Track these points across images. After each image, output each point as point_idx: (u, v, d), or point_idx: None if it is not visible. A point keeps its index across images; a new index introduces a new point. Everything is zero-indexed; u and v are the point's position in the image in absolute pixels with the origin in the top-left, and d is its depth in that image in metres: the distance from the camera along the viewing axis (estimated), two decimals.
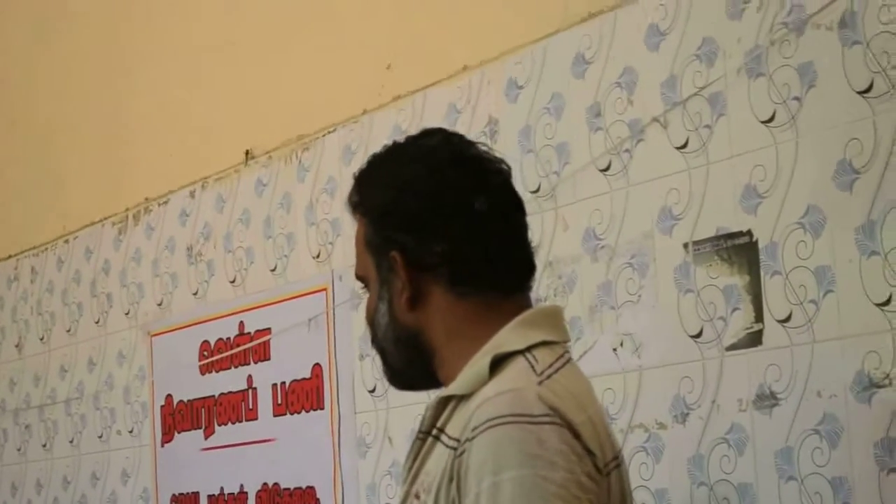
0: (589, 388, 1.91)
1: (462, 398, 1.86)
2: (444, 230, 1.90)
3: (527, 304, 1.96)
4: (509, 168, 1.98)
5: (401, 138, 2.03)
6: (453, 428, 1.84)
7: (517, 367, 1.85)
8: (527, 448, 1.73)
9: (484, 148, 1.97)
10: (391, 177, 1.95)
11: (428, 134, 2.02)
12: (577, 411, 1.80)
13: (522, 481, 1.72)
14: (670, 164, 2.68)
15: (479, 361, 1.87)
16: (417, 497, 1.86)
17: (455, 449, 1.79)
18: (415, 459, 1.91)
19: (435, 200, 1.91)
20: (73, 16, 4.78)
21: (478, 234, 1.91)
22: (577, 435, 1.77)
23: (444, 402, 1.89)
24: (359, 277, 2.05)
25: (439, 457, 1.84)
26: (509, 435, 1.74)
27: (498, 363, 1.85)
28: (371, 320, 2.01)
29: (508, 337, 1.88)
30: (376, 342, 2.01)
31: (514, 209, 1.97)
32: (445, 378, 1.94)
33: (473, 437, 1.76)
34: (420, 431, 1.91)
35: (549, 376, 1.83)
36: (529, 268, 1.98)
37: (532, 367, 1.84)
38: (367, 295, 2.02)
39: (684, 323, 2.64)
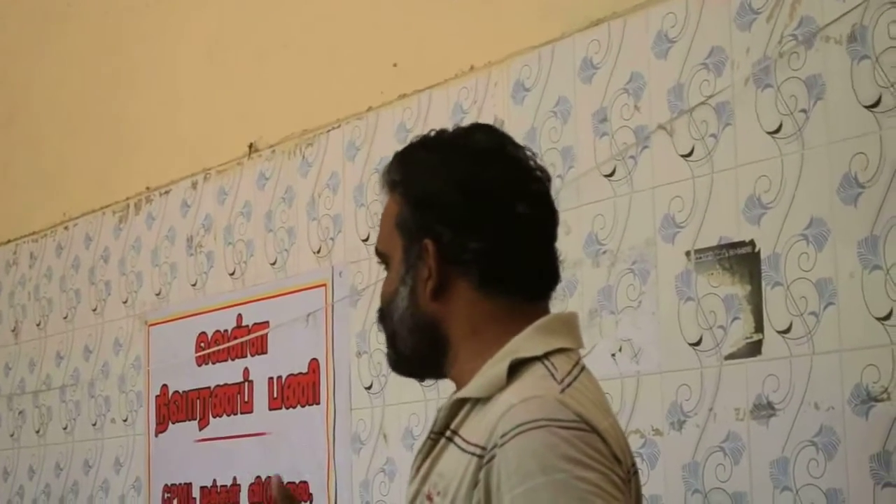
0: (604, 396, 1.91)
1: (478, 402, 1.86)
2: (482, 229, 1.89)
3: (545, 311, 1.96)
4: (549, 177, 1.98)
5: (449, 128, 2.00)
6: (470, 432, 1.84)
7: (536, 373, 1.84)
8: (560, 451, 1.72)
9: (529, 153, 1.97)
10: (438, 166, 1.93)
11: (478, 129, 2.01)
12: (601, 418, 1.80)
13: (558, 484, 1.71)
14: (675, 172, 2.69)
15: (496, 366, 1.86)
16: (430, 498, 1.84)
17: (481, 456, 1.78)
18: (425, 459, 1.90)
19: (478, 199, 1.89)
20: (77, 4, 4.78)
21: (514, 237, 1.90)
22: (604, 441, 1.77)
23: (458, 405, 1.89)
24: (379, 253, 2.02)
25: (456, 461, 1.83)
26: (541, 439, 1.73)
27: (515, 368, 1.85)
28: (388, 301, 1.98)
29: (526, 342, 1.87)
30: (388, 324, 1.98)
31: (549, 218, 1.97)
32: (456, 374, 1.93)
33: (504, 444, 1.75)
34: (432, 432, 1.91)
35: (569, 384, 1.82)
36: (555, 276, 1.98)
37: (552, 374, 1.83)
38: (386, 272, 2.00)
39: (684, 331, 2.64)
